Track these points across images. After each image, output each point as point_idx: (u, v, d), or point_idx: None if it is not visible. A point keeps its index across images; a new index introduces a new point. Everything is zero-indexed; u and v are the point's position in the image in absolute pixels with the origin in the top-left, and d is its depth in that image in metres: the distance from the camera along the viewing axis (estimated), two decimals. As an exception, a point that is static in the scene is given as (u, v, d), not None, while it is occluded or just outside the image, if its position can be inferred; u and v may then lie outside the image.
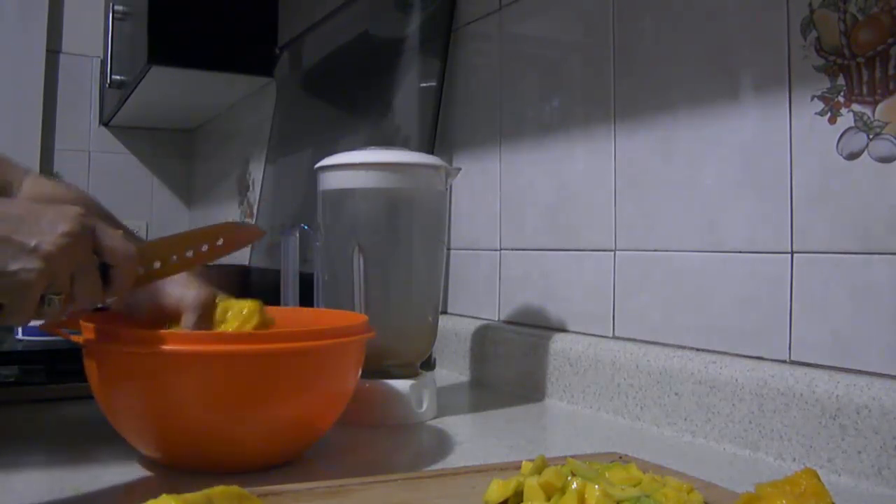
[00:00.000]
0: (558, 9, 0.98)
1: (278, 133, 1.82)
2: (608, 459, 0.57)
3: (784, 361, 0.69)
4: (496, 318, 1.07)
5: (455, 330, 1.10)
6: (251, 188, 2.08)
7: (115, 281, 0.55)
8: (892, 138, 0.62)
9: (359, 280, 0.81)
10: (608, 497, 0.46)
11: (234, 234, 0.66)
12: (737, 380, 0.70)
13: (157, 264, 0.61)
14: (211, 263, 0.66)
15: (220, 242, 0.64)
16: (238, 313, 0.69)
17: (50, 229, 0.51)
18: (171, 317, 0.69)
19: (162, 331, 0.60)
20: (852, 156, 0.64)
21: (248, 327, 0.68)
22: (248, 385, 0.59)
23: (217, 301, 0.69)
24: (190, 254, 0.63)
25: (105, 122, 2.56)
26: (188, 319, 0.68)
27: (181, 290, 0.68)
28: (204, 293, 0.69)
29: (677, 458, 0.65)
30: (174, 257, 0.62)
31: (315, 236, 0.88)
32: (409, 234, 0.82)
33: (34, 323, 1.05)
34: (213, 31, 1.75)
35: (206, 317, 0.68)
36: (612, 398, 0.83)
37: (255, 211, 1.95)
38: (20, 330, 1.08)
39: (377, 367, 0.80)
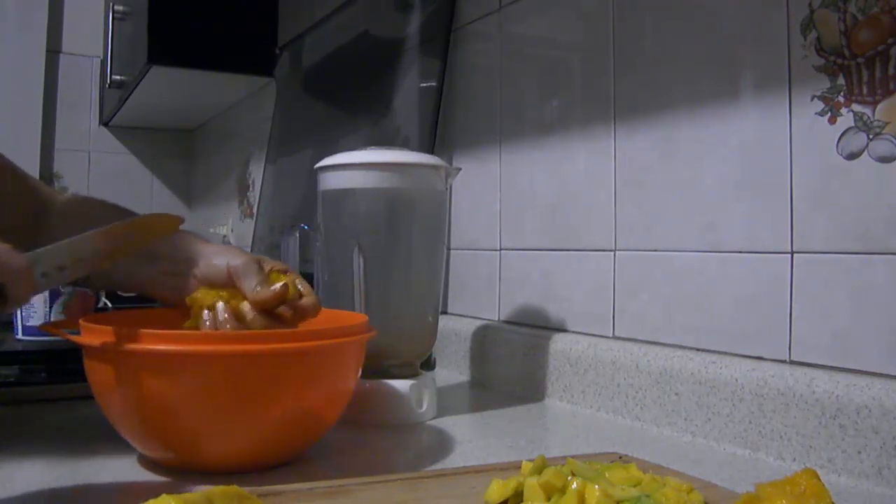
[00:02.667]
0: (558, 9, 0.98)
1: (278, 133, 1.82)
2: (608, 459, 0.57)
3: (784, 361, 0.69)
4: (496, 318, 1.07)
5: (455, 330, 1.10)
6: (251, 188, 2.08)
7: (10, 296, 0.53)
8: (892, 138, 0.62)
9: (359, 280, 0.81)
10: (608, 497, 0.46)
11: (147, 227, 0.65)
12: (737, 380, 0.70)
13: (66, 272, 0.58)
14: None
15: (132, 237, 0.63)
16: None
17: None
18: (222, 285, 0.70)
19: (162, 331, 0.60)
20: (852, 156, 0.64)
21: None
22: (249, 385, 0.59)
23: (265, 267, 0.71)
24: (100, 249, 0.60)
25: (105, 122, 2.56)
26: (249, 284, 0.69)
27: (226, 258, 0.70)
28: (248, 257, 0.71)
29: (677, 458, 0.65)
30: (81, 260, 0.59)
31: (315, 236, 0.88)
32: (409, 234, 0.82)
33: (34, 323, 1.06)
34: (213, 31, 1.75)
35: (261, 278, 0.69)
36: (612, 398, 0.83)
37: (255, 211, 1.95)
38: (20, 330, 1.08)
39: (377, 367, 0.81)
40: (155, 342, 0.58)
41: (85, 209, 0.79)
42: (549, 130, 0.98)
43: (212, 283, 0.70)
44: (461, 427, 0.80)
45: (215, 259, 0.71)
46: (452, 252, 1.16)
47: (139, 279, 0.74)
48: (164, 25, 1.72)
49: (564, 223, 0.95)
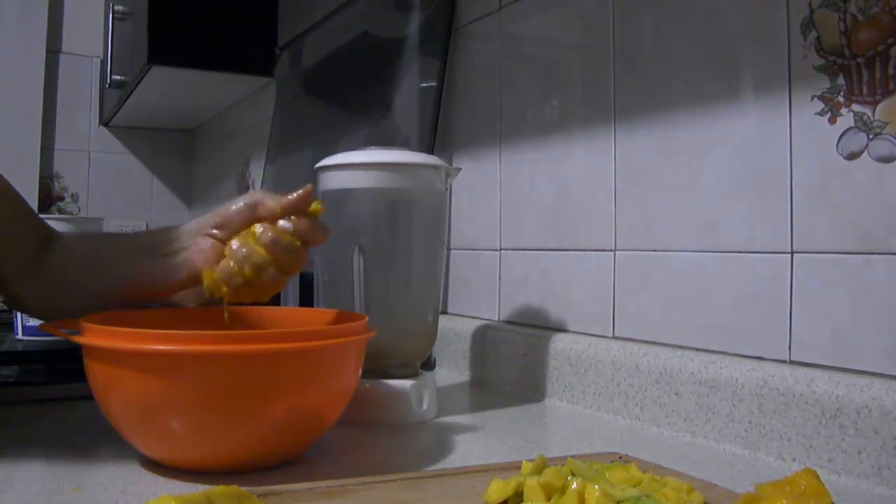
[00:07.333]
0: (558, 9, 0.98)
1: (278, 133, 1.82)
2: (608, 459, 0.57)
3: (784, 361, 0.69)
4: (496, 318, 1.07)
5: (455, 330, 1.10)
6: (251, 188, 2.08)
7: None
8: (892, 138, 0.62)
9: (359, 280, 0.81)
10: (608, 497, 0.46)
11: None
12: (737, 380, 0.70)
13: None
14: None
15: None
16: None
17: None
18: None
19: (162, 331, 0.60)
20: (852, 156, 0.64)
21: None
22: (248, 385, 0.59)
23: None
24: None
25: (105, 122, 2.56)
26: (274, 198, 0.73)
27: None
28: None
29: (677, 458, 0.65)
30: None
31: (315, 236, 0.88)
32: (409, 234, 0.82)
33: (34, 323, 1.06)
34: (213, 31, 1.75)
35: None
36: (612, 398, 0.83)
37: (255, 211, 1.95)
38: (20, 330, 1.08)
39: (377, 367, 0.81)
40: (155, 342, 0.58)
41: (88, 246, 0.79)
42: (549, 130, 0.98)
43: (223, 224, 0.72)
44: (461, 427, 0.80)
45: (215, 212, 0.74)
46: (452, 252, 1.16)
47: (146, 276, 0.73)
48: (164, 25, 1.72)
49: (564, 223, 0.95)
